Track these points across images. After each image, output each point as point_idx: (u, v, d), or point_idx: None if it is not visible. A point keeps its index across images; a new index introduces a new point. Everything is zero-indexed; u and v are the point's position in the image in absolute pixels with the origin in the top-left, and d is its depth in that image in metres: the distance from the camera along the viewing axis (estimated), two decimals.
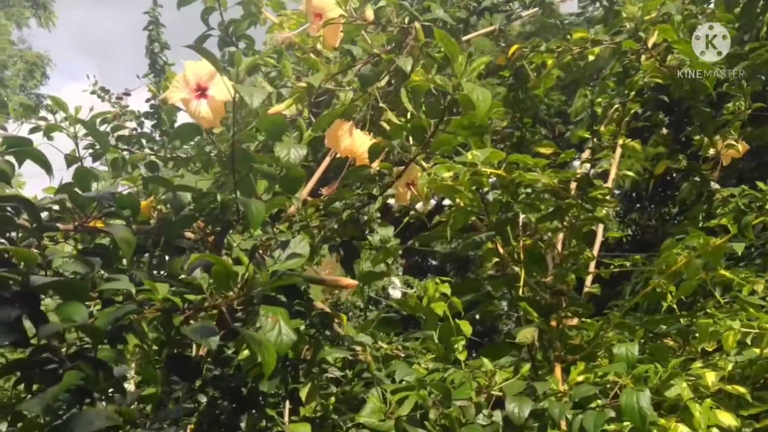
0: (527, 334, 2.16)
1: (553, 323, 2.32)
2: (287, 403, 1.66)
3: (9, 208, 1.07)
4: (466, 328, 2.14)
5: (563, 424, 2.05)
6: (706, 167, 2.31)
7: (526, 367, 1.86)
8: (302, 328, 1.69)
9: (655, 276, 2.21)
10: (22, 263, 0.95)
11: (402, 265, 8.14)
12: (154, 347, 1.34)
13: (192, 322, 1.25)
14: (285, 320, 1.36)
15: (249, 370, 1.94)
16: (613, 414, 1.87)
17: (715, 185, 2.28)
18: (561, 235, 2.54)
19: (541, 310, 2.28)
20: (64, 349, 1.13)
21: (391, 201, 2.30)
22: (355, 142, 1.67)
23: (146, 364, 1.49)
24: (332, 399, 1.78)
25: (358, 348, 1.69)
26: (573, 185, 2.30)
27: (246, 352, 2.01)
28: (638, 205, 7.24)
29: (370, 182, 1.73)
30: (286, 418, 1.62)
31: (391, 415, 1.50)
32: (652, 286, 2.17)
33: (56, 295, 0.97)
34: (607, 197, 2.27)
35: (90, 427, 0.86)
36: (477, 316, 3.19)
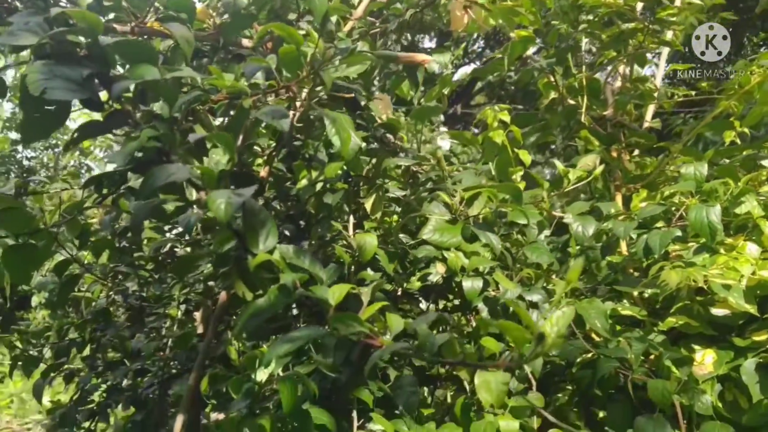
0: (588, 161, 2.10)
1: (614, 153, 2.26)
2: (351, 218, 1.65)
3: None
4: (525, 157, 2.08)
5: (623, 247, 2.03)
6: None
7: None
8: (363, 145, 1.66)
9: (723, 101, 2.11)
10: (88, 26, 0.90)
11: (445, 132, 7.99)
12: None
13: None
14: (350, 127, 1.32)
15: (308, 199, 1.94)
16: (679, 233, 1.83)
17: None
18: (622, 68, 2.43)
19: (601, 140, 2.21)
20: None
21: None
22: None
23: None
24: (395, 217, 1.77)
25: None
26: (639, 5, 2.17)
27: (304, 181, 2.00)
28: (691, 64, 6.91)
29: None
30: (351, 231, 1.61)
31: (460, 215, 1.48)
32: (721, 109, 2.08)
33: (125, 59, 0.94)
34: (675, 18, 2.14)
35: (171, 178, 0.84)
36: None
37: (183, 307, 2.29)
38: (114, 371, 2.12)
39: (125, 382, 2.21)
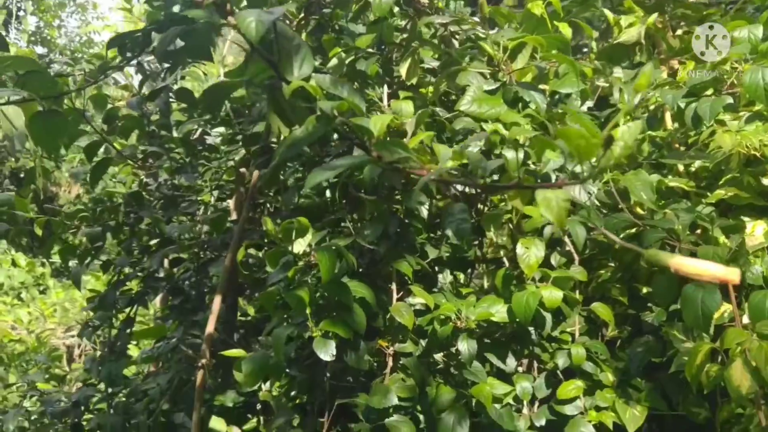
0: (632, 32, 2.00)
1: (659, 25, 2.14)
2: (385, 87, 1.58)
3: None
4: (565, 30, 1.98)
5: (668, 121, 1.95)
6: None
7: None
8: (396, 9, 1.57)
9: None
10: None
11: None
12: None
13: None
14: None
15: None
16: (730, 100, 1.75)
17: None
18: None
19: (646, 10, 2.09)
20: None
21: None
22: None
23: None
24: (431, 89, 1.69)
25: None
26: None
27: (335, 60, 1.92)
28: None
29: None
30: (385, 102, 1.55)
31: (502, 69, 1.40)
32: None
33: None
34: None
35: None
36: None
37: (216, 193, 2.26)
38: (150, 257, 2.12)
39: (161, 273, 2.21)
